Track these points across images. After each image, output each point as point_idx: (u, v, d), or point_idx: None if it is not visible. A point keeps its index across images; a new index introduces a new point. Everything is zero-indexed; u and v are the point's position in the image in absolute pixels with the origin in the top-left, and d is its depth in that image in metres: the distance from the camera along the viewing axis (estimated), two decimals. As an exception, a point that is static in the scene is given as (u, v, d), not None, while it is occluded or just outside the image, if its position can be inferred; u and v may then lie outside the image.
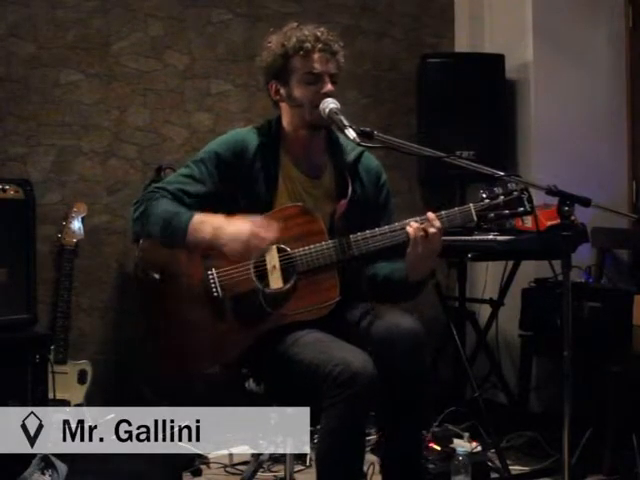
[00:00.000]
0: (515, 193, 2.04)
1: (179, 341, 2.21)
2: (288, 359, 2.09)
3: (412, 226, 2.07)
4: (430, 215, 2.07)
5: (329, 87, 2.18)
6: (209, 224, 2.10)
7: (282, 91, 2.23)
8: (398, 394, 2.08)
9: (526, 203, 2.04)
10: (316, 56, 2.18)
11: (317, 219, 2.17)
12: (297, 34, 2.19)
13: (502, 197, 2.05)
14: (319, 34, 2.19)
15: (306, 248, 2.14)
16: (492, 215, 2.05)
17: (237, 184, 2.22)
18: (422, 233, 2.04)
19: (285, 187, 2.25)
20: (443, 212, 2.08)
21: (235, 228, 2.08)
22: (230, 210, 2.21)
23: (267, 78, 2.26)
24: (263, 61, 2.25)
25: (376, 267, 2.28)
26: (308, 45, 2.17)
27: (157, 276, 2.22)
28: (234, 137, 2.27)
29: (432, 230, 2.04)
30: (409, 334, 2.06)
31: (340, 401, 1.93)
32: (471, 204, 2.07)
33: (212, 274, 2.18)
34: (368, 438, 3.18)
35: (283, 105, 2.26)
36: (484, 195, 2.06)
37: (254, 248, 2.08)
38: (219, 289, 2.17)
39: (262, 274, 2.16)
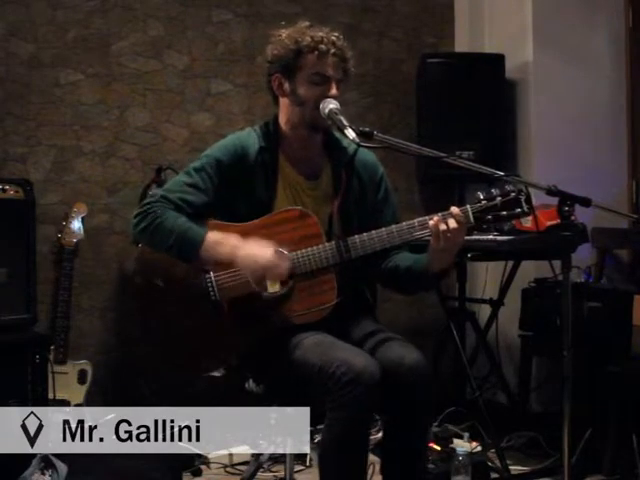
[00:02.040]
0: (512, 194, 2.00)
1: (178, 344, 2.21)
2: (291, 361, 2.09)
3: (434, 220, 2.04)
4: (454, 210, 2.04)
5: (334, 91, 2.17)
6: (226, 244, 2.11)
7: (286, 86, 2.21)
8: (401, 419, 2.08)
9: (524, 204, 2.00)
10: (330, 60, 2.17)
11: (315, 222, 2.16)
12: (312, 34, 2.18)
13: (499, 198, 2.01)
14: (335, 39, 2.19)
15: (303, 251, 2.13)
16: (489, 217, 2.02)
17: (237, 189, 2.21)
18: (444, 227, 2.02)
19: (284, 191, 2.24)
20: (439, 213, 2.06)
21: (254, 251, 2.09)
22: (229, 215, 2.21)
23: (272, 70, 2.23)
24: (271, 52, 2.22)
25: (397, 258, 2.26)
26: (324, 47, 2.15)
27: (161, 283, 2.22)
28: (234, 142, 2.25)
29: (454, 225, 2.01)
30: (414, 370, 2.05)
31: (343, 402, 1.92)
32: (468, 206, 2.05)
33: (210, 277, 2.17)
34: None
35: (283, 100, 2.24)
36: (481, 197, 2.03)
37: (272, 275, 2.08)
38: (217, 292, 2.17)
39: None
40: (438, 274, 2.16)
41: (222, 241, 2.12)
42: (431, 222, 2.04)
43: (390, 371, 2.03)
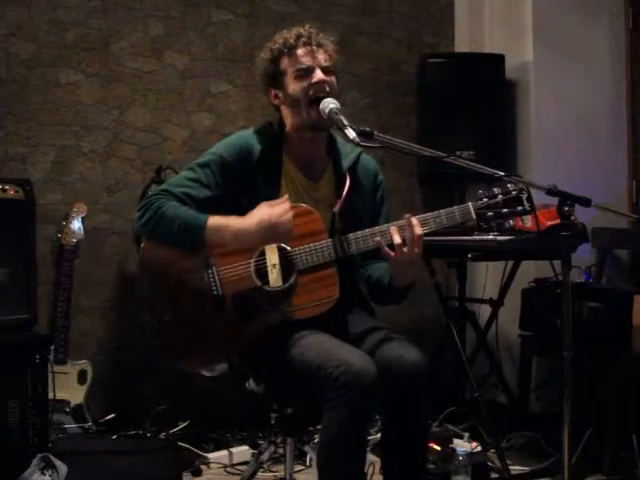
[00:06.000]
0: (514, 192, 2.06)
1: (180, 340, 2.21)
2: (290, 360, 2.09)
3: (390, 231, 2.07)
4: (412, 221, 2.06)
5: (320, 76, 2.18)
6: (231, 226, 2.12)
7: (280, 95, 2.25)
8: (401, 418, 2.09)
9: (525, 202, 2.05)
10: (300, 51, 2.20)
11: (318, 219, 2.18)
12: (283, 37, 2.23)
13: (501, 196, 2.06)
14: (302, 31, 2.22)
15: (305, 246, 2.15)
16: (491, 214, 2.06)
17: (240, 187, 2.23)
18: (399, 240, 2.05)
19: (287, 190, 2.25)
20: (442, 210, 2.09)
21: (255, 220, 2.10)
22: (233, 212, 2.21)
23: (265, 86, 2.29)
24: (258, 71, 2.29)
25: (370, 269, 2.29)
26: (291, 42, 2.20)
27: (167, 286, 2.21)
28: (239, 141, 2.27)
29: (409, 236, 2.03)
30: (413, 370, 2.05)
31: (341, 402, 1.92)
32: (470, 203, 2.08)
33: (212, 272, 2.18)
34: (368, 438, 3.20)
35: (283, 108, 2.27)
36: (483, 195, 2.08)
37: (284, 229, 2.09)
38: (219, 287, 2.18)
39: (262, 272, 2.17)
40: (403, 288, 2.18)
41: (226, 223, 2.13)
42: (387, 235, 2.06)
43: (389, 370, 2.03)
